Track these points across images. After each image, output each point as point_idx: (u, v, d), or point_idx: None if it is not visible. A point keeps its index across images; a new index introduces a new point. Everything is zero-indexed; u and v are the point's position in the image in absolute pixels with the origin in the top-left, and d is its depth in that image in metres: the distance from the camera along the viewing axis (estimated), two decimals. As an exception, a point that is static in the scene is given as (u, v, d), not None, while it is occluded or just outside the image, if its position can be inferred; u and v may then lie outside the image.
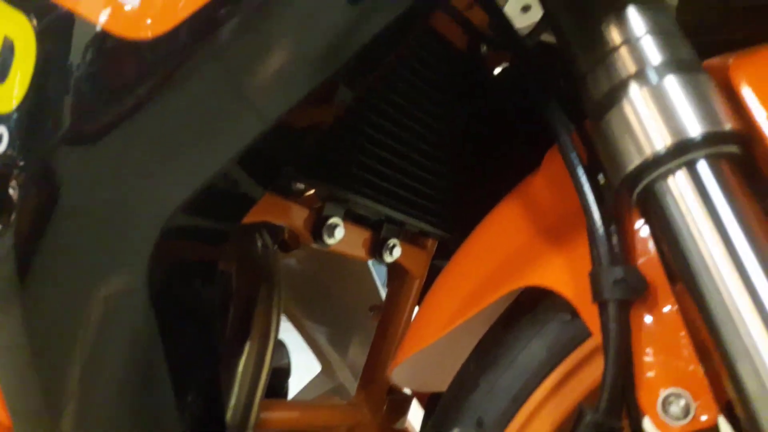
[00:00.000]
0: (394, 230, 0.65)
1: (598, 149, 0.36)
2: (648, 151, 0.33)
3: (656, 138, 0.33)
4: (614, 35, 0.35)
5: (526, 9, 0.54)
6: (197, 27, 0.33)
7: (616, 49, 0.35)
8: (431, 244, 0.72)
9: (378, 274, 0.93)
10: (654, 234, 0.35)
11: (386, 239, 0.65)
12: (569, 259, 0.39)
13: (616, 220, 0.37)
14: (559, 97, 0.41)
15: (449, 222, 0.67)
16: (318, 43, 0.33)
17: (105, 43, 0.35)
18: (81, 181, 0.36)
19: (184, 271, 0.37)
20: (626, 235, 0.37)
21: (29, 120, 0.38)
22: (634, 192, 0.34)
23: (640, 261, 0.36)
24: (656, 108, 0.33)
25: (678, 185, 0.32)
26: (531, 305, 0.43)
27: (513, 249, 0.42)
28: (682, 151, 0.32)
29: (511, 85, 0.51)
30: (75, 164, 0.37)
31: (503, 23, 0.44)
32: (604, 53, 0.35)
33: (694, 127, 0.32)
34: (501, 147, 0.67)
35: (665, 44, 0.34)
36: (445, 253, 0.74)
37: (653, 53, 0.34)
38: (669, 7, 0.61)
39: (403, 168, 0.60)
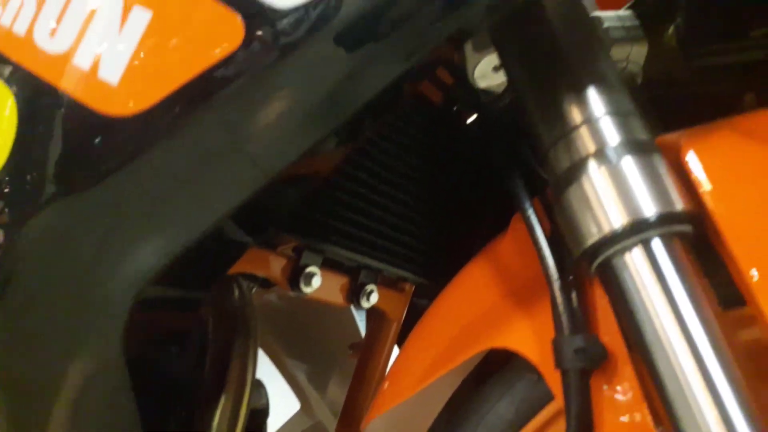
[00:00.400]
0: (372, 276, 0.66)
1: (560, 221, 0.38)
2: (606, 229, 0.35)
3: (614, 216, 0.34)
4: (575, 114, 0.37)
5: (497, 68, 0.56)
6: (177, 103, 0.34)
7: (576, 127, 0.37)
8: (409, 287, 0.73)
9: (357, 312, 0.94)
10: (612, 304, 0.37)
11: (364, 285, 0.66)
12: (535, 323, 0.40)
13: (578, 288, 0.38)
14: (523, 163, 0.43)
15: (426, 269, 0.68)
16: (321, 100, 0.34)
17: (84, 117, 0.36)
18: (55, 250, 0.37)
19: (159, 340, 0.38)
20: (587, 304, 0.38)
21: (8, 188, 0.39)
22: (593, 264, 0.36)
23: (602, 329, 0.38)
24: (614, 188, 0.35)
25: (634, 261, 0.34)
26: (500, 364, 0.44)
27: (482, 310, 0.43)
28: (637, 230, 0.34)
29: (483, 135, 0.53)
30: (49, 234, 0.37)
31: (467, 90, 0.46)
32: (565, 131, 0.37)
33: (649, 208, 0.34)
34: (476, 194, 0.68)
35: (623, 125, 0.36)
36: (424, 291, 0.76)
37: (611, 134, 0.36)
38: (634, 77, 0.63)
39: (380, 217, 0.61)
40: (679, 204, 0.34)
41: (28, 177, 0.39)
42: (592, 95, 0.37)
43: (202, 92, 0.34)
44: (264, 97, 0.34)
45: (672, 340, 0.32)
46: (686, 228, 0.34)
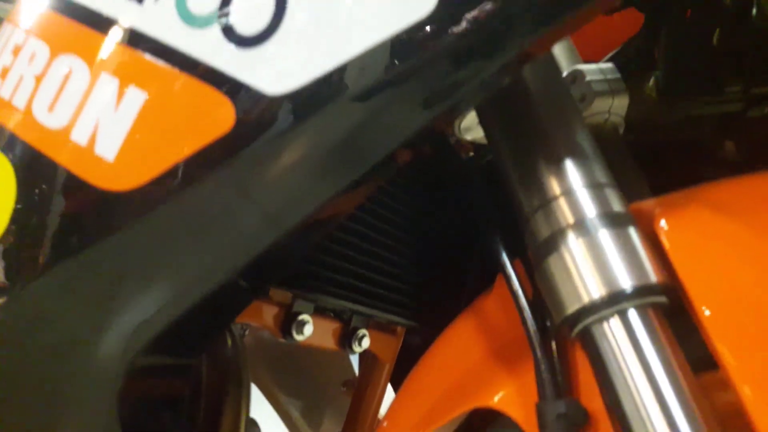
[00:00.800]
0: (363, 320, 0.67)
1: (541, 286, 0.39)
2: (585, 299, 0.36)
3: (592, 288, 0.36)
4: (554, 185, 0.39)
5: (483, 122, 0.58)
6: (170, 180, 0.36)
7: (555, 198, 0.38)
8: (400, 329, 0.74)
9: (350, 349, 0.94)
10: (593, 369, 0.38)
11: (356, 329, 0.67)
12: (520, 383, 0.42)
13: (560, 351, 0.40)
14: (505, 224, 0.44)
15: (417, 312, 0.69)
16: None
17: (81, 191, 0.37)
18: (49, 318, 0.38)
19: (153, 406, 0.39)
20: (569, 367, 0.39)
21: (6, 255, 0.40)
22: (574, 331, 0.37)
23: (584, 392, 0.39)
24: (592, 260, 0.36)
25: (611, 330, 0.35)
26: (488, 420, 0.45)
27: (468, 367, 0.45)
28: (614, 302, 0.35)
29: (465, 195, 0.54)
30: (45, 301, 0.39)
31: (448, 154, 0.48)
32: (544, 201, 0.39)
33: (625, 281, 0.35)
34: (464, 240, 0.70)
35: (599, 198, 0.38)
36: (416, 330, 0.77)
37: (589, 206, 0.37)
38: (616, 127, 0.65)
39: (371, 265, 0.63)
40: (653, 276, 0.35)
41: (26, 246, 0.40)
42: (570, 167, 0.39)
43: (194, 170, 0.35)
44: (253, 174, 0.35)
45: (647, 405, 0.34)
46: (661, 299, 0.36)
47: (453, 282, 0.70)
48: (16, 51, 0.42)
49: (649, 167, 0.72)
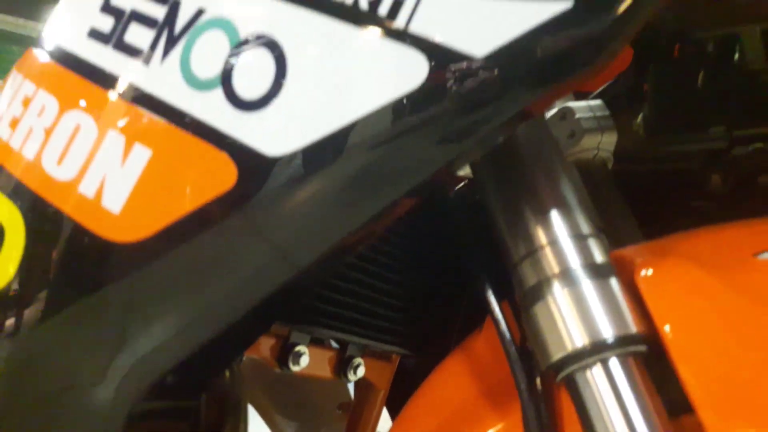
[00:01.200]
0: (359, 349, 0.69)
1: (527, 332, 0.41)
2: (569, 347, 0.38)
3: (576, 337, 0.38)
4: (540, 235, 0.40)
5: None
6: (175, 233, 0.37)
7: (542, 247, 0.40)
8: (395, 357, 0.76)
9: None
10: (577, 414, 0.40)
11: (351, 358, 0.68)
12: (507, 424, 0.43)
13: (545, 395, 0.41)
14: (495, 265, 0.46)
15: (412, 342, 0.71)
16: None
17: (88, 241, 0.39)
18: (54, 363, 0.40)
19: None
20: (555, 410, 0.41)
21: (14, 300, 0.42)
22: (559, 376, 0.39)
23: (569, 433, 0.41)
24: (576, 310, 0.38)
25: (594, 378, 0.37)
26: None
27: (456, 408, 0.46)
28: (597, 351, 0.37)
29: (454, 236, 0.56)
30: (50, 346, 0.40)
31: (438, 194, 0.49)
32: (531, 250, 0.40)
33: (607, 330, 0.37)
34: (459, 270, 0.71)
35: (583, 248, 0.39)
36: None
37: (573, 257, 0.39)
38: (605, 162, 0.67)
39: (368, 297, 0.64)
40: (633, 327, 0.37)
41: (33, 291, 0.42)
42: (556, 218, 0.40)
43: (196, 225, 0.37)
44: (254, 224, 0.37)
45: None
46: (640, 347, 0.37)
47: (447, 311, 0.71)
48: (26, 102, 0.44)
49: (638, 196, 0.74)
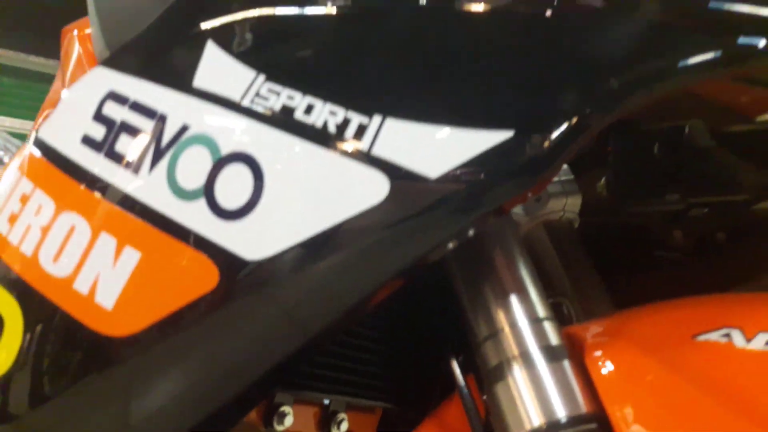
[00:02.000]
0: (342, 405, 0.72)
1: (490, 408, 0.44)
2: (527, 426, 0.41)
3: (533, 416, 0.41)
4: (501, 318, 0.44)
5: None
6: (163, 328, 0.41)
7: (502, 330, 0.44)
8: (378, 409, 0.78)
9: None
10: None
11: (335, 413, 0.71)
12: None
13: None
14: (461, 344, 0.49)
15: (396, 395, 0.74)
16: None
17: (82, 335, 0.42)
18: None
19: None
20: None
21: (10, 389, 0.45)
22: (520, 452, 0.42)
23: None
24: (533, 391, 0.41)
25: (550, 454, 0.41)
26: None
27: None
28: (551, 430, 0.40)
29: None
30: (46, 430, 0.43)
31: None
32: (492, 332, 0.44)
33: (561, 411, 0.41)
34: (439, 330, 0.75)
35: (539, 332, 0.43)
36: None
37: (531, 340, 0.43)
38: (571, 222, 0.71)
39: (352, 356, 0.67)
40: (583, 408, 0.41)
41: (31, 378, 0.45)
42: (515, 303, 0.44)
43: (181, 321, 0.40)
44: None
45: None
46: (591, 426, 0.41)
47: (429, 364, 0.74)
48: (24, 199, 0.47)
49: (604, 246, 0.78)
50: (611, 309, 0.67)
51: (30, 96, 5.13)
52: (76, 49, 0.82)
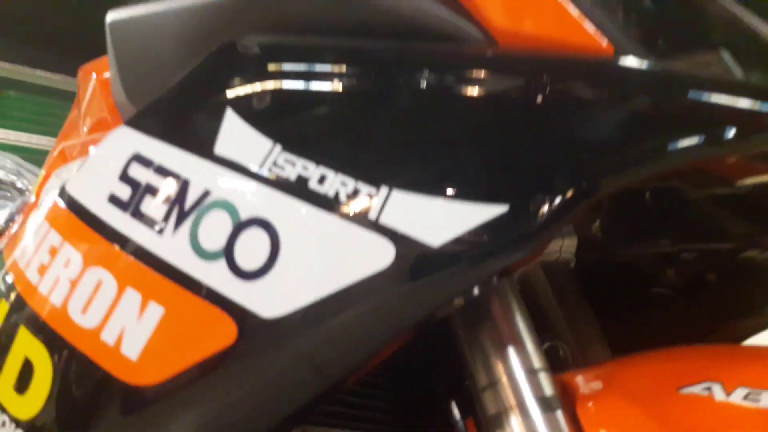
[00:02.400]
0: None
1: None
2: (523, 474, 0.44)
3: (529, 465, 0.44)
4: (499, 369, 0.47)
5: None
6: (186, 379, 0.44)
7: (500, 380, 0.47)
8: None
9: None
10: None
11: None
12: None
13: None
14: (458, 388, 0.52)
15: (405, 425, 0.76)
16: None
17: (109, 383, 0.45)
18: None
19: None
20: None
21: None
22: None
23: None
24: (529, 443, 0.44)
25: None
26: None
27: None
28: (546, 479, 0.43)
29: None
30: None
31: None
32: (491, 381, 0.47)
33: (554, 462, 0.44)
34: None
35: (535, 383, 0.46)
36: None
37: (527, 391, 0.46)
38: (568, 262, 0.74)
39: (358, 392, 0.70)
40: (575, 456, 0.44)
41: (58, 425, 0.48)
42: (513, 354, 0.47)
43: (201, 373, 0.43)
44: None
45: None
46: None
47: (430, 406, 0.77)
48: (53, 252, 0.51)
49: (600, 283, 0.81)
50: (606, 349, 0.69)
51: (34, 110, 5.18)
52: (92, 89, 0.86)
